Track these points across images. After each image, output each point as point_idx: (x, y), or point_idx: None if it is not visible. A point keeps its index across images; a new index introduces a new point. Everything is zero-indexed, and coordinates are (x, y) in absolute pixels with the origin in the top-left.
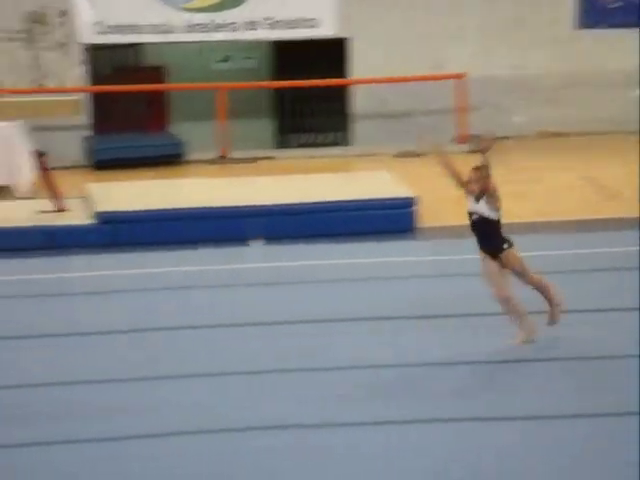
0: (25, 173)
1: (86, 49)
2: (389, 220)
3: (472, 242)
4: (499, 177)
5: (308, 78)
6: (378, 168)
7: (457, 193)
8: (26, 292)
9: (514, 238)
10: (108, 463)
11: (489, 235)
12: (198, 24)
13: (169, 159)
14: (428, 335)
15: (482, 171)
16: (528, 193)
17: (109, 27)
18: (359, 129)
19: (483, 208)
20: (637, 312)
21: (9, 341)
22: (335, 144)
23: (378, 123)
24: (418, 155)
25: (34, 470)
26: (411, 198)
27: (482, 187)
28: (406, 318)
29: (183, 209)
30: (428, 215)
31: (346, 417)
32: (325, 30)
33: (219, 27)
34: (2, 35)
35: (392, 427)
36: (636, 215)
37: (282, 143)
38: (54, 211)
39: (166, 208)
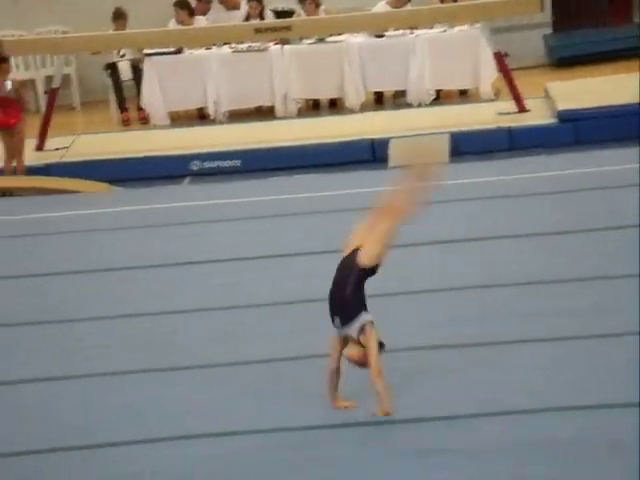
0: (487, 75)
1: None
2: None
3: None
4: None
5: None
6: None
7: None
8: (503, 193)
9: None
10: None
11: None
12: None
13: (633, 52)
14: None
15: None
16: None
17: None
18: None
19: None
20: None
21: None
22: None
23: None
24: None
25: None
26: None
27: None
28: None
29: None
30: None
31: None
32: None
33: None
34: None
35: None
36: None
37: None
38: (515, 112)
39: (628, 103)
